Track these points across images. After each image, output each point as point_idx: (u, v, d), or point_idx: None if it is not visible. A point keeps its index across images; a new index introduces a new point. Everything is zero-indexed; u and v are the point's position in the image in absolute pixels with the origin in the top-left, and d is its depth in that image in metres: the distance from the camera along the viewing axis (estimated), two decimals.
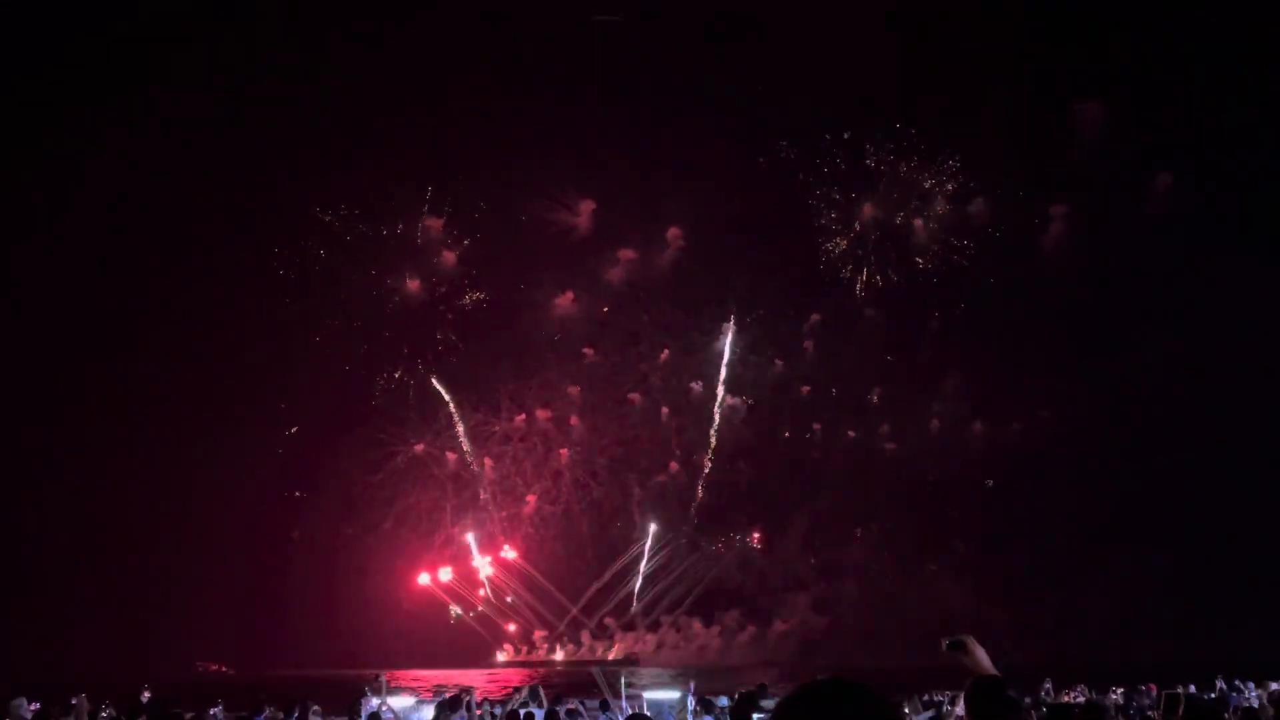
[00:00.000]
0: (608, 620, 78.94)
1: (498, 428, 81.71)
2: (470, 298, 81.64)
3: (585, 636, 78.26)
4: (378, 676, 20.93)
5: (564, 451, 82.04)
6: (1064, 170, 73.07)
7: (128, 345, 77.42)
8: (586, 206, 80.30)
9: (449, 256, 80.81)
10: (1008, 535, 72.14)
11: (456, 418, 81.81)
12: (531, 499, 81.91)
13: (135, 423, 78.06)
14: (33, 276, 74.71)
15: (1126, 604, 64.74)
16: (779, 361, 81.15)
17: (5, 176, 71.82)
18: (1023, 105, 72.43)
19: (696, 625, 77.37)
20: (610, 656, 73.51)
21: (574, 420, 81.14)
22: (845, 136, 78.86)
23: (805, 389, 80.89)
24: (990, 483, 75.14)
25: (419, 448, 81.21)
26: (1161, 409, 69.66)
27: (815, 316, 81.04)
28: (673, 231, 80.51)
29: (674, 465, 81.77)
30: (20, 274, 73.89)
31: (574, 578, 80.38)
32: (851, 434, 79.93)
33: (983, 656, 5.53)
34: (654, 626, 78.03)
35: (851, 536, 77.91)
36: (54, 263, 75.51)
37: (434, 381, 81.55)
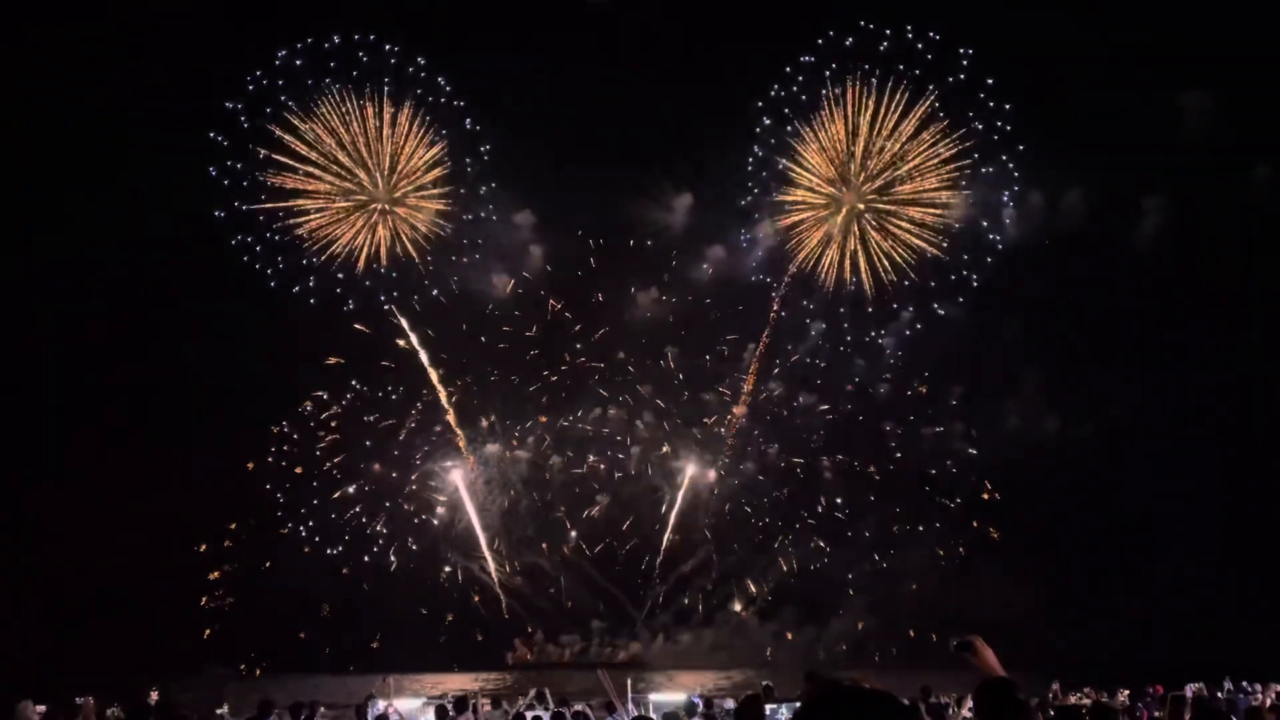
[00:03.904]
0: (665, 621, 79.14)
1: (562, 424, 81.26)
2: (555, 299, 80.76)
3: (644, 634, 78.49)
4: (385, 679, 20.98)
5: (635, 450, 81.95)
6: (1162, 161, 69.80)
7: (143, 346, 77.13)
8: (683, 202, 78.73)
9: (536, 251, 79.48)
10: (1066, 536, 70.45)
11: (537, 417, 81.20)
12: (599, 500, 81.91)
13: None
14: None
15: (1178, 607, 62.62)
16: (860, 360, 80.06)
17: None
18: (1122, 92, 69.28)
19: (752, 624, 77.31)
20: (620, 659, 73.50)
21: (642, 421, 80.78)
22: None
23: (883, 388, 79.93)
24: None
25: (492, 449, 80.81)
26: (1241, 414, 67.28)
27: (908, 311, 79.14)
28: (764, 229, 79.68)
29: (747, 464, 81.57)
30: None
31: (636, 584, 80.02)
32: (923, 432, 79.00)
33: (991, 657, 5.53)
34: (712, 625, 78.19)
35: (914, 538, 76.85)
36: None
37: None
